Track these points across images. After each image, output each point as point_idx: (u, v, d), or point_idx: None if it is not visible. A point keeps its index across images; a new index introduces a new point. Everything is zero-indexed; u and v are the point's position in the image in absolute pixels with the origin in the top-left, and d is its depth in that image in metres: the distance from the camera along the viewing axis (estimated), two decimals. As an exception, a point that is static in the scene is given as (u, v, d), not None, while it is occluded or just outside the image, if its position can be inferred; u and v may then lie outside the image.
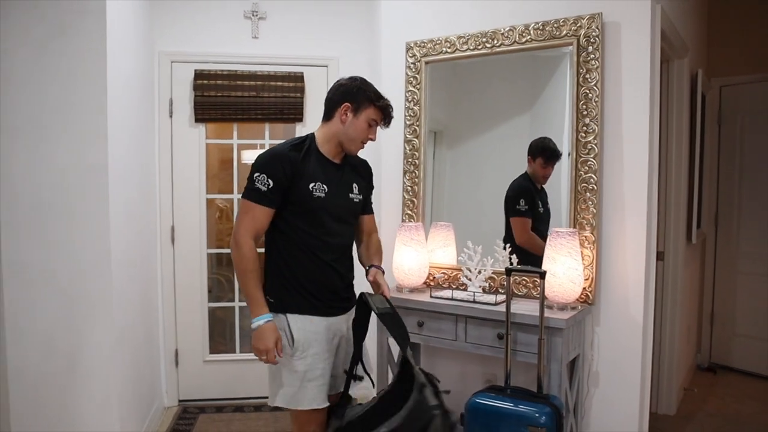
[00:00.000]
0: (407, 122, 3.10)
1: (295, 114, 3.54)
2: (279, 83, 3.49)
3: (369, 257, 2.30)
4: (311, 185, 2.02)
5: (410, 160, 3.09)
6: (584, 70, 2.62)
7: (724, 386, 4.07)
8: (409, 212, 3.10)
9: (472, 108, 3.13)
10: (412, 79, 3.08)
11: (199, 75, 3.45)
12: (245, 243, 1.99)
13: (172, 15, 3.46)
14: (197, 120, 3.50)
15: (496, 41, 2.84)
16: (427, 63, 3.05)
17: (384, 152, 3.20)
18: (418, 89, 3.07)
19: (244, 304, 3.73)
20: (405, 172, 3.11)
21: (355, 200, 2.20)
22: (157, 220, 3.48)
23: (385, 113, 2.12)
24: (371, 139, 2.13)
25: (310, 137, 2.13)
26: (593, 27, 2.61)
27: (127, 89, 2.89)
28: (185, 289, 3.56)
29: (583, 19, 2.63)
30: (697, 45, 3.94)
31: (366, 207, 2.33)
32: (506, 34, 2.82)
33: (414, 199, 3.09)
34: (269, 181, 1.97)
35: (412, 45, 3.08)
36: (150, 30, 3.37)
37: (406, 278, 2.84)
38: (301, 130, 3.58)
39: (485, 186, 3.07)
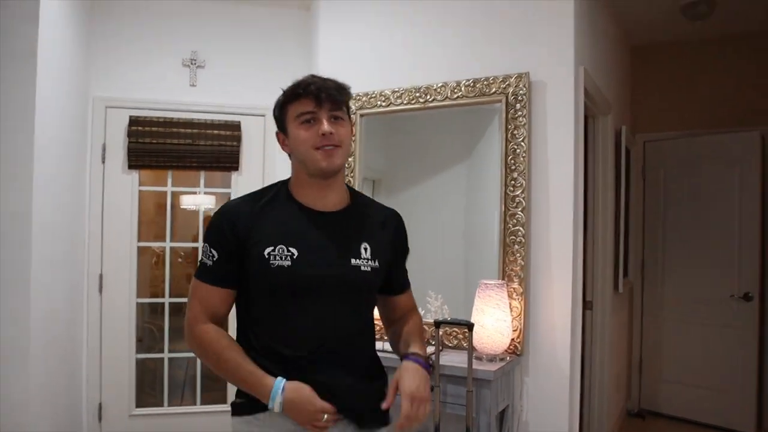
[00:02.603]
0: (342, 173, 3.13)
1: (231, 162, 3.53)
2: (216, 131, 3.48)
3: (404, 341, 1.58)
4: (267, 250, 1.40)
5: (345, 210, 3.12)
6: (512, 126, 2.73)
7: (653, 432, 4.18)
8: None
9: (411, 157, 3.20)
10: (347, 130, 3.14)
11: (134, 121, 3.41)
12: (198, 330, 1.45)
13: (109, 61, 3.43)
14: (131, 166, 3.45)
15: (429, 96, 2.93)
16: (362, 116, 3.11)
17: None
18: (353, 141, 3.12)
19: (175, 354, 3.63)
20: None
21: (362, 269, 1.48)
22: (85, 269, 3.38)
23: (306, 93, 1.45)
24: (324, 134, 1.42)
25: (285, 181, 1.56)
26: (521, 86, 2.73)
27: (59, 134, 2.83)
28: (112, 340, 3.44)
29: (512, 77, 2.75)
30: (621, 103, 4.16)
31: (396, 281, 1.66)
32: (439, 90, 2.92)
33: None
34: (212, 251, 1.45)
35: (348, 98, 3.14)
36: (86, 75, 3.33)
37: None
38: (236, 179, 3.57)
39: (423, 235, 3.11)
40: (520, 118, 2.71)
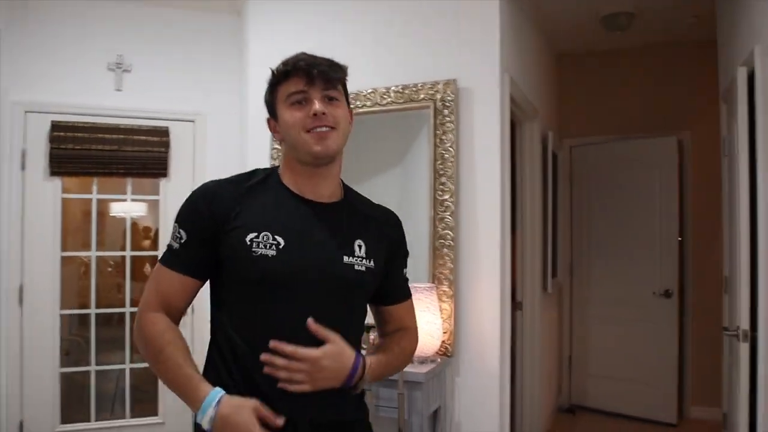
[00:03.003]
0: (274, 178, 3.12)
1: (159, 169, 3.46)
2: (143, 137, 3.40)
3: (376, 347, 1.46)
4: (249, 237, 1.24)
5: (277, 215, 3.10)
6: (441, 132, 2.78)
7: (583, 427, 4.32)
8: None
9: (345, 160, 3.20)
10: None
11: (56, 126, 3.29)
12: (146, 318, 1.29)
13: (28, 64, 3.30)
14: (53, 173, 3.32)
15: (358, 102, 2.95)
16: (293, 121, 3.10)
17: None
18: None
19: (103, 367, 3.51)
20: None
21: (356, 267, 1.33)
22: (3, 280, 3.23)
23: (296, 71, 1.29)
24: (315, 115, 1.26)
25: (275, 167, 1.41)
26: (448, 92, 2.79)
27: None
28: (34, 354, 3.30)
29: (440, 84, 2.81)
30: (548, 109, 4.30)
31: (393, 289, 1.48)
32: (368, 96, 2.94)
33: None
34: (181, 232, 1.28)
35: (278, 103, 3.13)
36: (1, 78, 3.19)
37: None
38: (165, 186, 3.49)
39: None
40: (448, 124, 2.77)
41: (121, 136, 3.37)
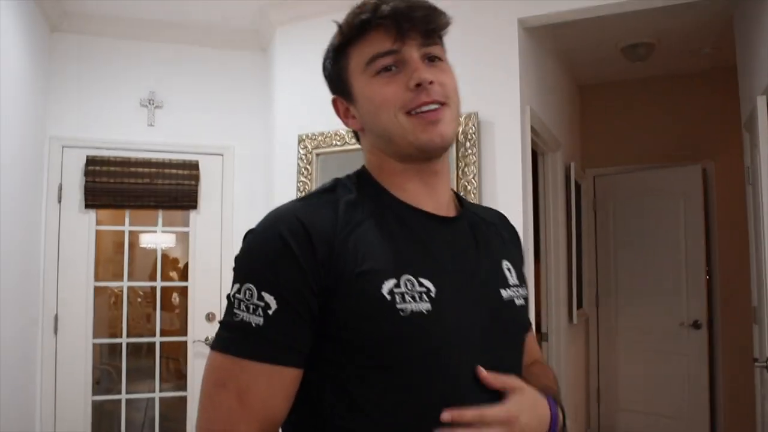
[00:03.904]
0: (300, 210, 3.18)
1: (190, 201, 3.55)
2: (174, 171, 3.51)
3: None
4: (387, 286, 0.82)
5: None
6: (463, 164, 2.83)
7: (612, 461, 4.25)
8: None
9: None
10: (303, 170, 3.20)
11: (91, 161, 3.42)
12: None
13: (66, 101, 3.45)
14: (87, 206, 3.44)
15: (382, 135, 3.02)
16: (318, 155, 3.19)
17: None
18: (309, 180, 3.18)
19: (133, 395, 3.58)
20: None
21: (517, 302, 0.97)
22: (40, 310, 3.33)
23: (378, 21, 0.88)
24: (419, 85, 0.86)
25: (358, 172, 0.98)
26: (470, 125, 2.84)
27: (11, 173, 2.83)
28: (68, 382, 3.38)
29: (461, 117, 2.86)
30: (571, 139, 4.32)
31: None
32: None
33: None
34: (265, 298, 0.80)
35: (303, 137, 3.22)
36: (42, 114, 3.34)
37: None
38: (195, 218, 3.59)
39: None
40: (470, 156, 2.82)
41: (153, 170, 3.49)
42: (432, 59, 0.91)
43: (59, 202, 3.43)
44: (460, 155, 2.83)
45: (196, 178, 3.56)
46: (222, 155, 3.62)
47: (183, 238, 3.78)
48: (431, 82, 0.87)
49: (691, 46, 3.93)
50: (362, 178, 0.96)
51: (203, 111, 3.65)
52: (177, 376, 4.45)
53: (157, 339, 3.58)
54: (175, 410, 3.58)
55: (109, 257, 4.14)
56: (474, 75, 2.91)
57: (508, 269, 0.98)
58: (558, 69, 3.98)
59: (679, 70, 4.40)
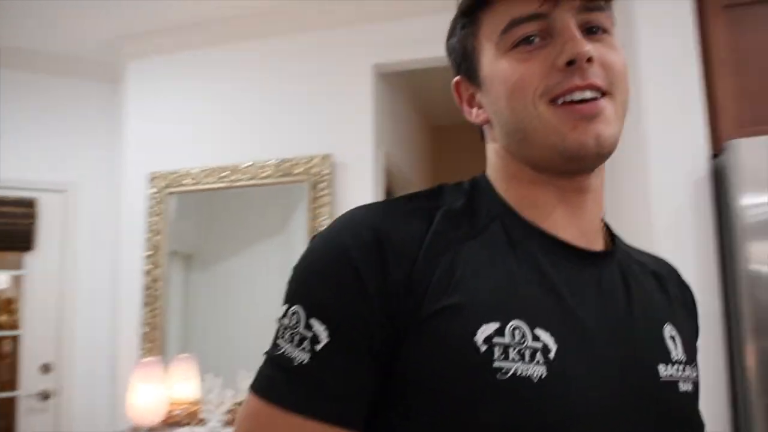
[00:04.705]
0: (148, 253, 3.05)
1: (25, 242, 3.28)
2: (6, 209, 3.24)
3: None
4: (482, 333, 0.56)
5: (150, 291, 3.02)
6: (316, 206, 2.86)
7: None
8: (150, 346, 2.99)
9: (227, 232, 3.18)
10: (154, 209, 3.08)
11: None
12: None
13: None
14: None
15: (236, 176, 2.99)
16: (170, 193, 3.08)
17: (121, 285, 3.10)
18: (160, 219, 3.06)
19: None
20: (145, 305, 3.02)
21: (681, 387, 0.66)
22: None
23: None
24: (571, 62, 0.61)
25: (475, 179, 0.76)
26: (324, 167, 2.88)
27: None
28: None
29: (316, 159, 2.90)
30: (426, 180, 4.51)
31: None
32: (246, 170, 2.99)
33: (155, 333, 3.00)
34: (314, 327, 0.58)
35: (155, 176, 3.10)
36: None
37: (142, 417, 2.70)
38: (32, 262, 3.31)
39: (235, 311, 3.09)
40: (324, 197, 2.86)
41: (-18, 208, 3.20)
42: (593, 30, 0.64)
43: None
44: (313, 196, 2.86)
45: (33, 216, 3.30)
46: (65, 191, 3.39)
47: (16, 283, 3.47)
48: (590, 60, 0.61)
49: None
50: (479, 186, 0.72)
51: (45, 144, 3.41)
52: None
53: (-15, 394, 3.24)
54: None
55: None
56: (330, 117, 2.97)
57: (672, 338, 0.68)
58: (413, 111, 4.16)
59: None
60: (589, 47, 0.61)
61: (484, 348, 0.56)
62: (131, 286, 3.07)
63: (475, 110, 0.75)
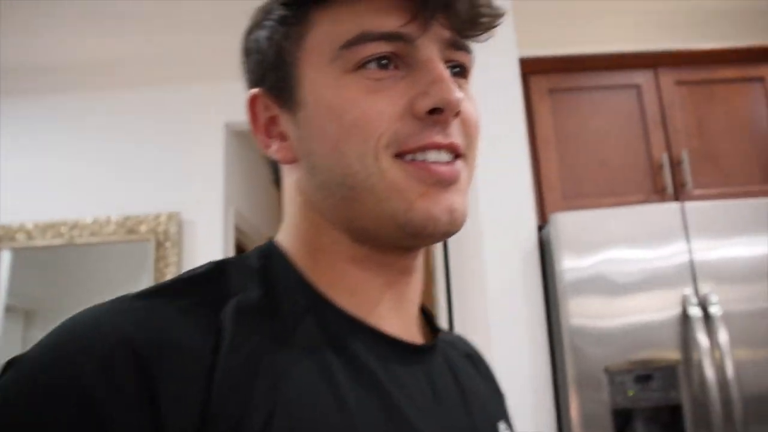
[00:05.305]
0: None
1: None
2: None
3: None
4: None
5: (-26, 353, 2.73)
6: (163, 264, 2.77)
7: None
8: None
9: (70, 288, 2.98)
10: (-20, 267, 2.81)
11: None
12: None
13: None
14: None
15: (76, 231, 2.82)
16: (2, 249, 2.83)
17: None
18: (-11, 279, 2.80)
19: None
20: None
21: None
22: None
23: None
24: (437, 109, 0.47)
25: (264, 251, 0.55)
26: (171, 224, 2.81)
27: None
28: None
29: (162, 216, 2.82)
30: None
31: None
32: (88, 226, 2.83)
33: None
34: None
35: (-17, 230, 2.85)
36: None
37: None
38: None
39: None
40: (171, 256, 2.78)
41: None
42: (457, 71, 0.52)
43: None
44: (159, 254, 2.76)
45: None
46: None
47: None
48: (457, 114, 0.49)
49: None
50: (273, 264, 0.53)
51: None
52: None
53: None
54: None
55: None
56: (178, 175, 2.92)
57: None
58: (266, 168, 4.15)
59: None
60: (460, 95, 0.48)
61: None
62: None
63: (276, 142, 0.56)
